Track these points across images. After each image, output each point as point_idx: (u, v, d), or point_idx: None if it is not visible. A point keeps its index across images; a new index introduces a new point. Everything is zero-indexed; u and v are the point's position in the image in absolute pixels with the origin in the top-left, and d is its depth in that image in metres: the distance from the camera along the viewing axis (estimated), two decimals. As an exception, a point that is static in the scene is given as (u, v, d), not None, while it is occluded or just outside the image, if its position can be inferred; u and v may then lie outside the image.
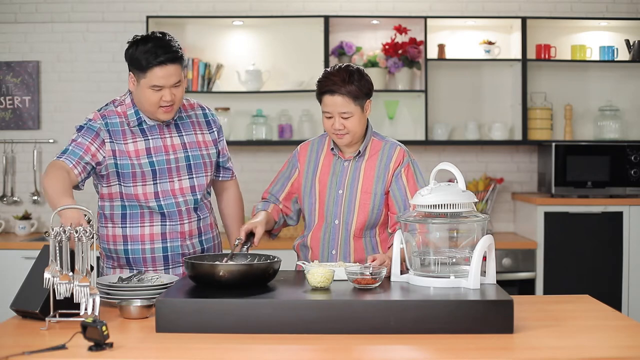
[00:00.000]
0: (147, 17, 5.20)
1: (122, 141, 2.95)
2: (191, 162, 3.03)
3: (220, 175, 3.23)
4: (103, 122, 2.95)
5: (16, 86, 5.41)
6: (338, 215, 3.02)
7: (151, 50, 2.83)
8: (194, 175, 3.04)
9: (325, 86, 2.92)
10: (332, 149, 3.06)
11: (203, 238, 3.10)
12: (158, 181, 2.97)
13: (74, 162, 2.87)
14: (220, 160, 3.19)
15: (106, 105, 3.03)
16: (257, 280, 2.58)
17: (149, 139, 2.98)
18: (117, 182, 2.97)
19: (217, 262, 2.69)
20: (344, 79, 2.90)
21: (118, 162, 2.94)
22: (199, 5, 5.43)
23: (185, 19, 5.30)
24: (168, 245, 3.01)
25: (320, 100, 2.97)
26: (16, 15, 5.42)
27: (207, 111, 3.17)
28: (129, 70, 2.93)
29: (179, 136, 3.04)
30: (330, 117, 2.94)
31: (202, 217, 3.09)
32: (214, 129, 3.15)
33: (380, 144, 3.06)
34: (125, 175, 2.95)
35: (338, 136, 2.97)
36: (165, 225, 3.00)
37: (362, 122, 2.96)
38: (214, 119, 3.17)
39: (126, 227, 2.99)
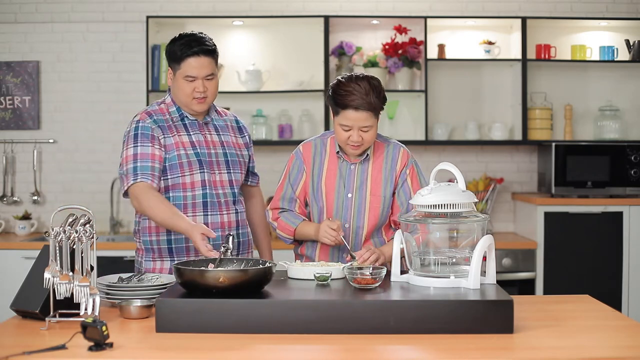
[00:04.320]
0: (147, 17, 5.20)
1: (169, 135, 3.07)
2: (229, 159, 3.16)
3: (249, 180, 3.35)
4: (152, 120, 3.07)
5: (16, 86, 5.41)
6: (348, 219, 3.02)
7: (186, 43, 3.04)
8: (231, 171, 3.16)
9: (351, 101, 2.86)
10: (338, 152, 3.05)
11: (240, 232, 3.18)
12: (205, 170, 3.08)
13: (150, 178, 2.98)
14: (250, 165, 3.33)
15: (150, 105, 3.17)
16: (254, 286, 2.52)
17: (191, 134, 3.11)
18: (162, 178, 3.05)
19: (220, 269, 2.66)
20: (370, 95, 2.86)
21: (167, 157, 3.04)
22: (199, 5, 5.43)
23: (185, 19, 5.30)
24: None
25: (336, 112, 2.92)
26: (16, 15, 5.42)
27: (239, 119, 3.34)
28: (168, 66, 3.11)
29: (217, 135, 3.18)
30: (347, 130, 2.91)
31: (239, 211, 3.19)
32: (245, 135, 3.31)
33: (383, 145, 3.07)
34: (172, 167, 3.04)
35: (353, 147, 2.95)
36: (208, 215, 3.08)
37: (376, 132, 2.98)
38: (245, 127, 3.34)
39: None
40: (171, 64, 3.08)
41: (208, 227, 3.03)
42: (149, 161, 2.99)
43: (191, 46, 3.02)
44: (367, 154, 3.03)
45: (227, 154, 3.16)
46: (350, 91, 2.87)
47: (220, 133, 3.19)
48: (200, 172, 3.07)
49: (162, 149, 3.03)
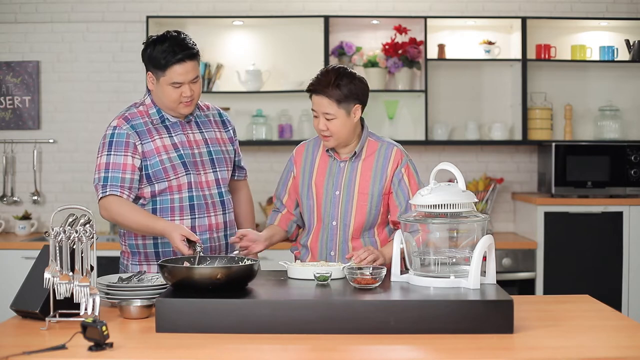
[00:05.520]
0: (147, 17, 5.20)
1: (148, 139, 3.02)
2: (214, 157, 3.12)
3: (236, 174, 3.30)
4: (129, 126, 3.01)
5: (16, 86, 5.41)
6: (336, 217, 3.02)
7: (169, 49, 2.93)
8: (217, 169, 3.12)
9: (312, 85, 2.95)
10: (328, 150, 3.06)
11: (227, 233, 3.14)
12: (191, 172, 3.04)
13: (119, 191, 2.95)
14: (236, 159, 3.28)
15: (127, 108, 3.10)
16: (243, 281, 2.56)
17: (172, 136, 3.06)
18: (148, 184, 3.02)
19: (217, 266, 2.69)
20: (330, 81, 2.91)
21: (148, 164, 3.00)
22: (199, 5, 5.43)
23: (185, 19, 5.30)
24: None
25: (310, 99, 2.99)
26: (16, 15, 5.42)
27: (222, 112, 3.28)
28: (147, 70, 3.02)
29: (200, 132, 3.12)
30: (316, 117, 2.97)
31: (227, 211, 3.14)
32: (229, 128, 3.25)
33: (377, 144, 3.07)
34: (157, 174, 3.00)
35: (323, 137, 2.99)
36: (195, 218, 3.05)
37: (347, 125, 2.95)
38: (229, 119, 3.28)
39: None
40: (152, 69, 2.98)
41: (196, 230, 3.02)
42: (119, 172, 2.95)
43: (175, 52, 2.91)
44: (356, 152, 3.03)
45: (212, 152, 3.11)
46: (317, 76, 2.96)
47: (203, 130, 3.13)
48: (186, 175, 3.03)
49: (138, 156, 2.98)
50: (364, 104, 2.99)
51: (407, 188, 3.02)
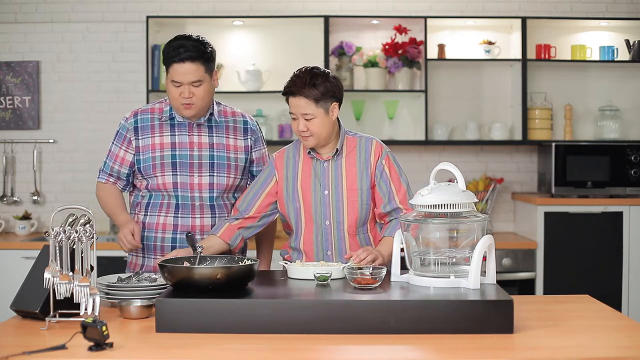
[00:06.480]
0: (147, 17, 5.20)
1: (149, 135, 3.12)
2: (214, 162, 3.13)
3: None
4: (133, 120, 3.15)
5: (16, 86, 5.41)
6: (328, 216, 3.02)
7: (174, 47, 3.00)
8: (214, 174, 3.12)
9: (288, 87, 2.96)
10: (310, 152, 3.06)
11: None
12: (178, 173, 3.09)
13: (106, 178, 3.20)
14: (255, 169, 3.26)
15: (149, 104, 3.23)
16: (241, 281, 2.56)
17: (175, 135, 3.12)
18: (142, 178, 3.13)
19: (215, 266, 2.70)
20: (306, 81, 2.91)
21: (140, 158, 3.10)
22: (199, 5, 5.43)
23: (185, 19, 5.30)
24: (178, 236, 3.11)
25: (287, 102, 2.99)
26: (16, 15, 5.42)
27: (250, 121, 3.27)
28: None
29: (208, 136, 3.15)
30: (295, 119, 2.97)
31: (217, 215, 3.14)
32: (249, 137, 3.23)
33: (355, 140, 3.09)
34: (146, 169, 3.10)
35: (303, 138, 2.99)
36: (178, 217, 3.11)
37: (326, 124, 2.96)
38: (254, 129, 3.26)
39: (147, 214, 3.14)
40: (164, 65, 3.06)
41: (178, 228, 3.10)
42: (112, 161, 3.17)
43: (178, 52, 2.96)
44: (337, 149, 3.04)
45: (215, 156, 3.12)
46: (292, 79, 2.97)
47: (214, 134, 3.15)
48: (172, 175, 3.08)
49: (132, 151, 3.12)
50: (340, 102, 3.01)
51: (388, 178, 3.03)
